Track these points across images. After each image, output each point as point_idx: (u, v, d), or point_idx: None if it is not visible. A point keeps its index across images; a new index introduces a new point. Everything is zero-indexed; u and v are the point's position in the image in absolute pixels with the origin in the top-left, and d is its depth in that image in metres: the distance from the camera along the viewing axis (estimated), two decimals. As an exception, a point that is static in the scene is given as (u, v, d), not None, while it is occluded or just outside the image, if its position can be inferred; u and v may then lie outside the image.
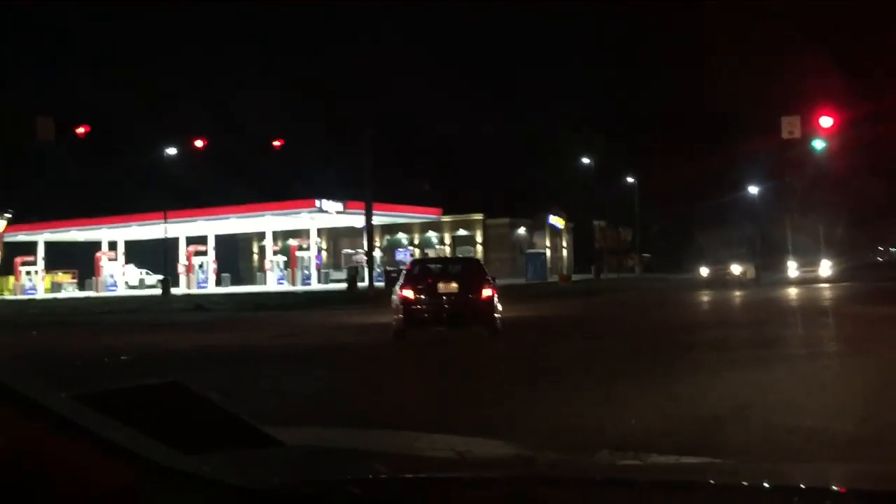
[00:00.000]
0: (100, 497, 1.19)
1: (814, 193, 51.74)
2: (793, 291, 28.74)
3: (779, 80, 56.40)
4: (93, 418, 1.26)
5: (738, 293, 28.77)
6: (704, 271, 38.80)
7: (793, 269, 40.08)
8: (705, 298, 27.48)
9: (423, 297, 14.42)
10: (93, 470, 1.19)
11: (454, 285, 14.71)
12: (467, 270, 16.38)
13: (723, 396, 7.51)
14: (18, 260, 56.91)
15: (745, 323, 17.45)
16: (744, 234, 48.71)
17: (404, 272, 16.42)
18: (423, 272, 16.07)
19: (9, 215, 43.72)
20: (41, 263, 58.58)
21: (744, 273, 37.38)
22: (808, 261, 40.59)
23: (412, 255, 61.02)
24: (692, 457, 5.21)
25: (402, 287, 14.71)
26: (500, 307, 14.76)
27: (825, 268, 39.67)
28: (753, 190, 58.70)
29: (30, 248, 58.03)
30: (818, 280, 35.94)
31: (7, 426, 1.13)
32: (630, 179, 61.10)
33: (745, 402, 7.27)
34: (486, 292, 14.48)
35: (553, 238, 62.55)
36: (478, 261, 21.26)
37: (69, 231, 58.36)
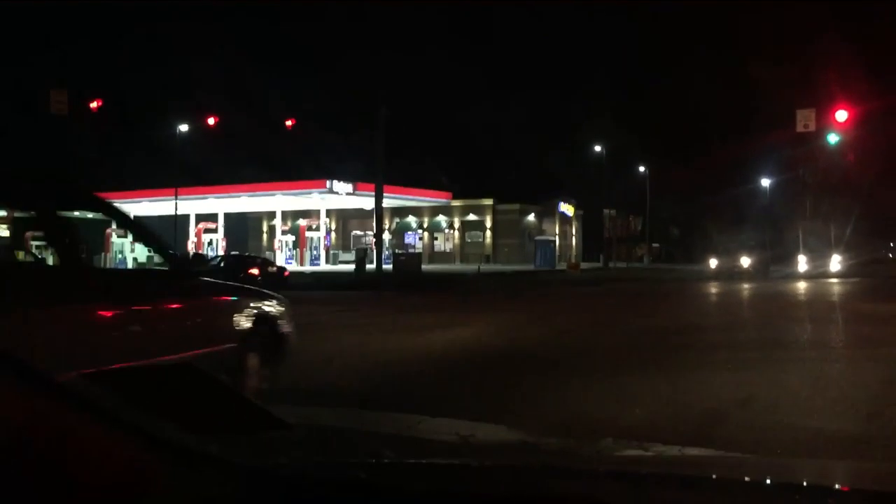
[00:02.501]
0: (110, 474, 1.20)
1: (826, 188, 51.45)
2: (801, 286, 28.63)
3: (796, 73, 55.99)
4: (104, 396, 1.28)
5: (745, 286, 28.67)
6: (713, 263, 38.60)
7: (802, 263, 39.91)
8: (713, 290, 27.42)
9: (265, 272, 28.75)
10: (103, 448, 1.20)
11: (276, 268, 31.44)
12: (272, 262, 33.19)
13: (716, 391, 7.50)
14: (28, 234, 57.18)
15: (748, 322, 17.13)
16: (754, 227, 48.47)
17: (229, 262, 30.10)
18: (250, 261, 31.18)
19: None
20: (51, 237, 58.84)
21: (753, 266, 37.17)
22: (819, 255, 40.38)
23: (421, 238, 61.26)
24: (695, 448, 5.22)
25: (249, 269, 28.12)
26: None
27: (835, 263, 39.50)
28: (765, 183, 58.42)
29: (40, 222, 58.21)
30: (827, 275, 35.77)
31: (18, 403, 1.14)
32: (641, 169, 60.85)
33: (747, 398, 7.28)
34: (286, 273, 31.35)
35: (562, 225, 62.42)
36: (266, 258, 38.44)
37: (79, 205, 58.40)
